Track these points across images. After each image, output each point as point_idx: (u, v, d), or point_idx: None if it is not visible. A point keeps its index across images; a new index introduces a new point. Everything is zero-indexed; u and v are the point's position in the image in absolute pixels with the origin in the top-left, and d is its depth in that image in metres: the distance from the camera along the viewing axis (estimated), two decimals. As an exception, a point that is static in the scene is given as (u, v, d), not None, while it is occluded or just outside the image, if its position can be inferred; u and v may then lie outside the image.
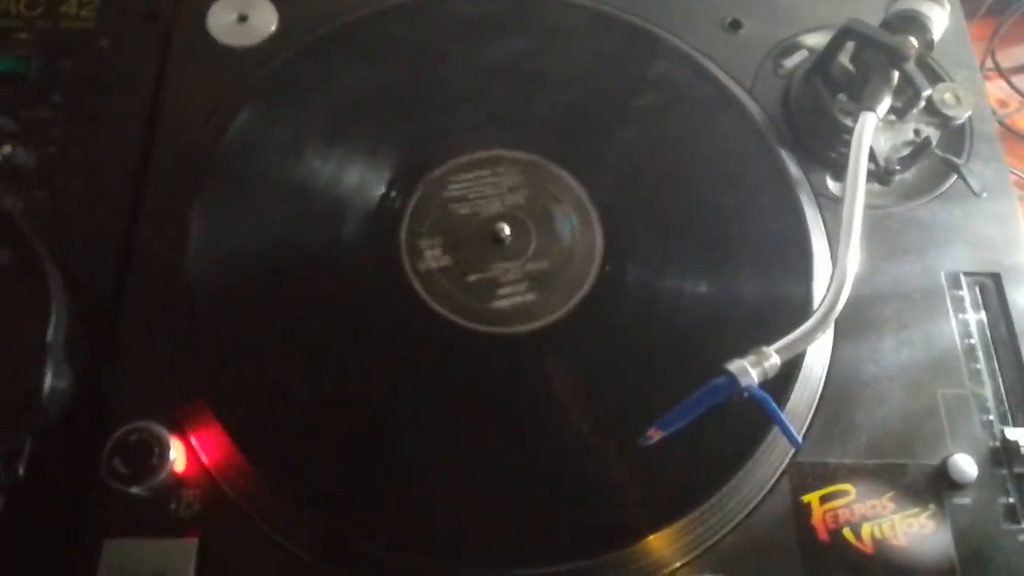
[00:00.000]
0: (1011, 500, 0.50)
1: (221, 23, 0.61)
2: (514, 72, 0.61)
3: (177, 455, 0.46)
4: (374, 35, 0.62)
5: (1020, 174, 0.73)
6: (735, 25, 0.64)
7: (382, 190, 0.56)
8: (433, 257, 0.54)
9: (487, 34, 0.62)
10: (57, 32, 0.59)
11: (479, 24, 0.63)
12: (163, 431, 0.46)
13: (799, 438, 0.46)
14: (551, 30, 0.63)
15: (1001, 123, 0.76)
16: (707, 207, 0.58)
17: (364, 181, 0.56)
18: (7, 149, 0.53)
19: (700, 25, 0.64)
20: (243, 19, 0.61)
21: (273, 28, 0.61)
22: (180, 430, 0.48)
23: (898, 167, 0.57)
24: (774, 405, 0.46)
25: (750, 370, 0.46)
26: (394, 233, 0.54)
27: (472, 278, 0.54)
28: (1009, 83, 0.77)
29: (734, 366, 0.47)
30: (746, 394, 0.47)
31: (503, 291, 0.54)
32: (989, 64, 0.77)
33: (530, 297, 0.54)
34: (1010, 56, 0.79)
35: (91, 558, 0.45)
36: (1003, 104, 0.77)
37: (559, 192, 0.57)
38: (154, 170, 0.55)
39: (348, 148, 0.57)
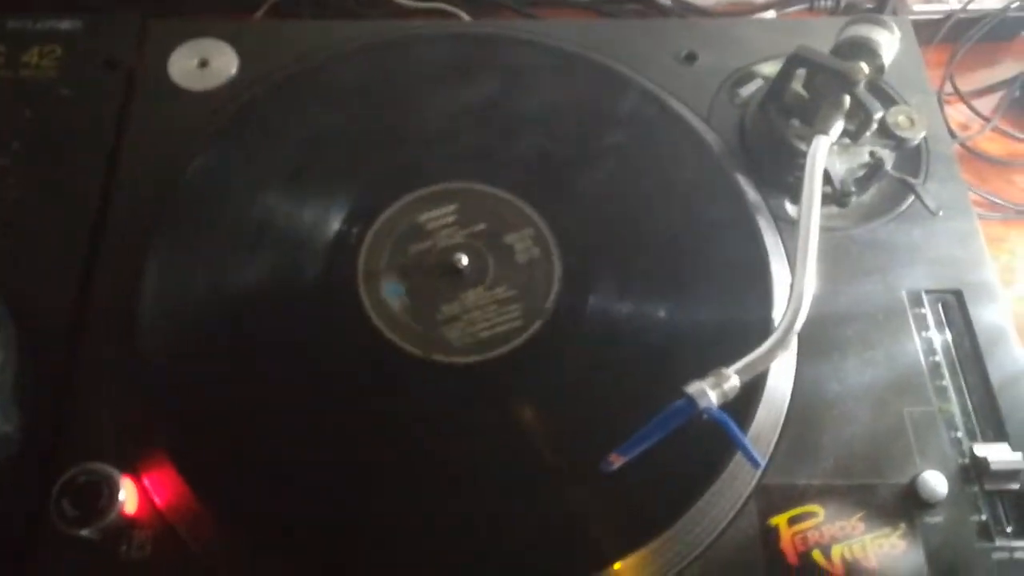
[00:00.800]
0: (983, 517, 0.49)
1: (182, 68, 0.62)
2: (471, 109, 0.62)
3: (128, 496, 0.46)
4: (334, 77, 0.62)
5: (983, 195, 0.73)
6: (691, 57, 0.65)
7: (337, 227, 0.56)
8: (391, 291, 0.54)
9: (444, 74, 0.63)
10: (18, 81, 0.60)
11: (436, 65, 0.64)
12: (114, 472, 0.46)
13: (759, 459, 0.45)
14: (511, 68, 0.64)
15: (963, 145, 0.76)
16: (666, 234, 0.58)
17: (320, 219, 0.56)
18: (-35, 195, 0.53)
19: (656, 58, 0.65)
20: (204, 64, 0.62)
21: (233, 72, 0.62)
22: (133, 470, 0.47)
23: (854, 188, 0.57)
24: (733, 426, 0.45)
25: (709, 392, 0.46)
26: (352, 269, 0.54)
27: (429, 308, 0.54)
28: (969, 106, 0.77)
29: (693, 388, 0.46)
30: (705, 416, 0.46)
31: (467, 317, 0.54)
32: (948, 89, 0.78)
33: (482, 330, 0.54)
34: (969, 81, 0.80)
35: (39, 606, 0.44)
36: (964, 127, 0.78)
37: (516, 222, 0.58)
38: (113, 214, 0.55)
39: (303, 187, 0.57)
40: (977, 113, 0.78)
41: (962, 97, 0.78)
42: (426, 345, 0.52)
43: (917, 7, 0.81)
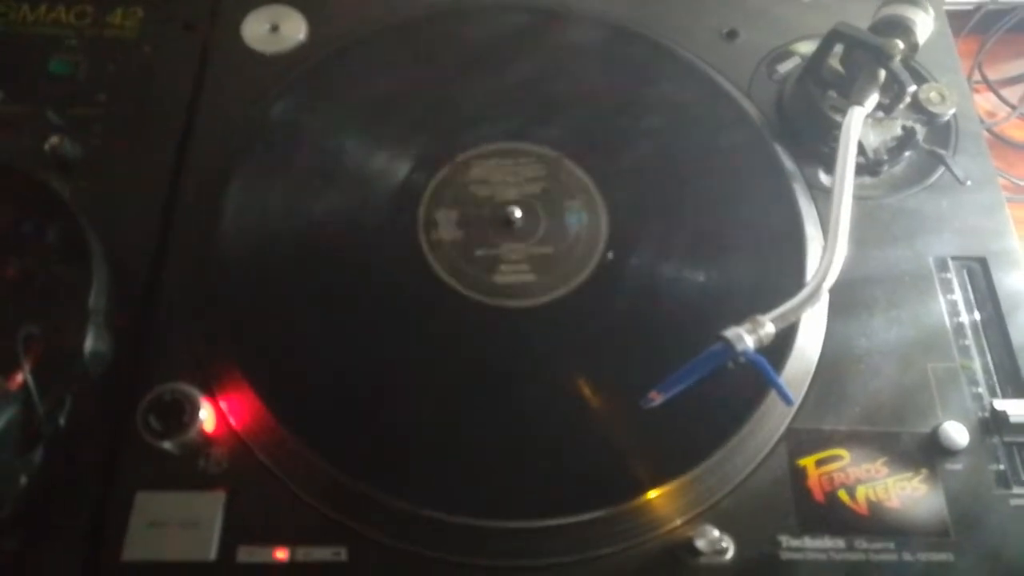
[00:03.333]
0: (1002, 467, 0.52)
1: (254, 32, 0.66)
2: (528, 77, 0.65)
3: (207, 415, 0.50)
4: (412, 39, 0.67)
5: (1010, 178, 0.76)
6: (732, 35, 0.69)
7: (407, 170, 0.61)
8: (447, 229, 0.58)
9: (500, 44, 0.67)
10: (103, 40, 0.64)
11: (493, 35, 0.67)
12: (195, 392, 0.50)
13: (791, 397, 0.48)
14: (567, 42, 0.68)
15: (990, 131, 0.79)
16: (706, 200, 0.61)
17: (392, 161, 0.61)
18: (55, 140, 0.57)
19: (699, 35, 0.68)
20: (275, 28, 0.66)
21: (302, 37, 0.66)
22: (211, 395, 0.51)
23: (886, 158, 0.60)
24: (767, 366, 0.49)
25: (745, 336, 0.49)
26: (414, 206, 0.59)
27: (479, 252, 0.58)
28: (996, 94, 0.80)
29: (730, 332, 0.49)
30: (742, 359, 0.49)
31: (504, 267, 0.57)
32: (977, 77, 0.81)
33: (529, 277, 0.57)
34: (997, 71, 0.83)
35: (123, 508, 0.48)
36: (991, 115, 0.81)
37: (573, 188, 0.61)
38: (193, 156, 0.60)
39: (379, 134, 0.62)
40: (1004, 101, 0.81)
41: (990, 85, 0.81)
42: (471, 283, 0.56)
43: (949, -3, 0.84)
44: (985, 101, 0.81)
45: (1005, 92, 0.81)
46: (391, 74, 0.64)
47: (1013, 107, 0.80)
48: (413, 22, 0.67)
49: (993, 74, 0.81)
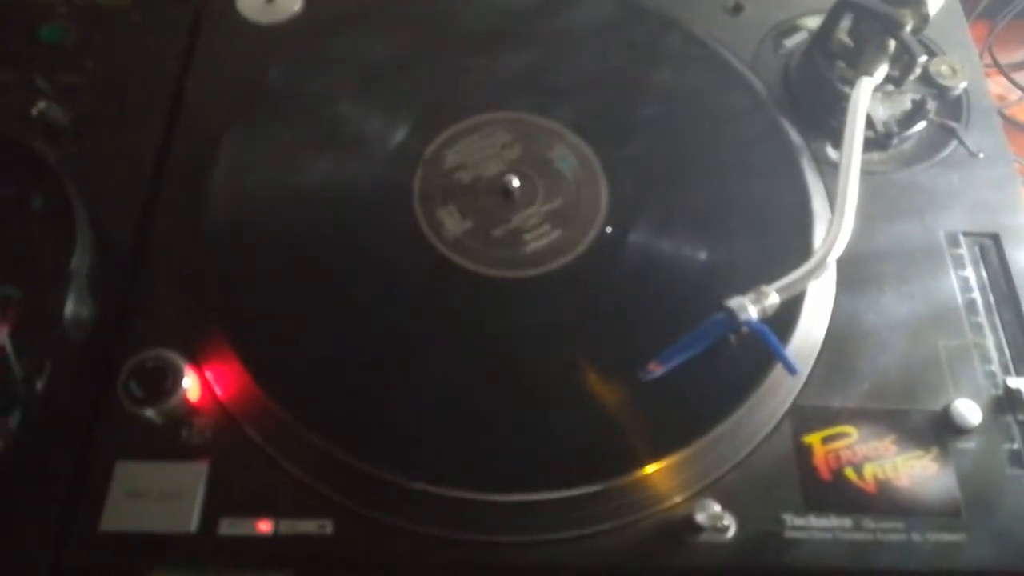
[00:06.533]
0: (1015, 446, 0.50)
1: (250, 2, 0.64)
2: (524, 49, 0.64)
3: (191, 384, 0.48)
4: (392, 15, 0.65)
5: (1021, 161, 0.74)
6: (737, 8, 0.67)
7: (390, 154, 0.59)
8: (455, 225, 0.56)
9: (499, 16, 0.66)
10: (94, 8, 0.63)
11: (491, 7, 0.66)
12: (179, 359, 0.48)
13: (796, 366, 0.47)
14: (566, 13, 0.66)
15: (1000, 114, 0.77)
16: (711, 173, 0.59)
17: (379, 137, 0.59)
18: (42, 105, 0.56)
19: (704, 8, 0.67)
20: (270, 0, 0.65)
21: (297, 8, 0.65)
22: (196, 363, 0.49)
23: (896, 131, 0.58)
24: (772, 336, 0.47)
25: (749, 306, 0.48)
26: (410, 212, 0.56)
27: (497, 233, 0.56)
28: (1008, 77, 0.79)
29: (734, 302, 0.48)
30: (745, 328, 0.48)
31: (528, 236, 0.56)
32: (987, 61, 0.79)
33: (556, 234, 0.56)
34: (1007, 55, 0.81)
35: (103, 478, 0.46)
36: (1002, 98, 0.79)
37: (548, 137, 0.60)
38: (182, 124, 0.58)
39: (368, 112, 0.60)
40: (1015, 83, 0.79)
41: (1000, 69, 0.80)
42: (502, 263, 0.55)
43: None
44: (996, 85, 0.80)
45: (1016, 77, 0.79)
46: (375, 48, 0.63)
47: (1024, 90, 0.79)
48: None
49: (1003, 59, 0.80)
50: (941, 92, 0.59)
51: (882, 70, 0.57)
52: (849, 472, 0.49)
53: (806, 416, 0.50)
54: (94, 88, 0.59)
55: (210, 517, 0.45)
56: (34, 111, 0.56)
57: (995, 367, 0.52)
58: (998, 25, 0.80)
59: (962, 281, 0.55)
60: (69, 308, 0.47)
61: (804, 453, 0.49)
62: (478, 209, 0.56)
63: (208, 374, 0.49)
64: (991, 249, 0.57)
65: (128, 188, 0.55)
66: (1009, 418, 0.51)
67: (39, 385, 0.46)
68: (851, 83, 0.57)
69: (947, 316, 0.54)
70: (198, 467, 0.47)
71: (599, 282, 0.54)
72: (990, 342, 0.53)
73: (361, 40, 0.63)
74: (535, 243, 0.55)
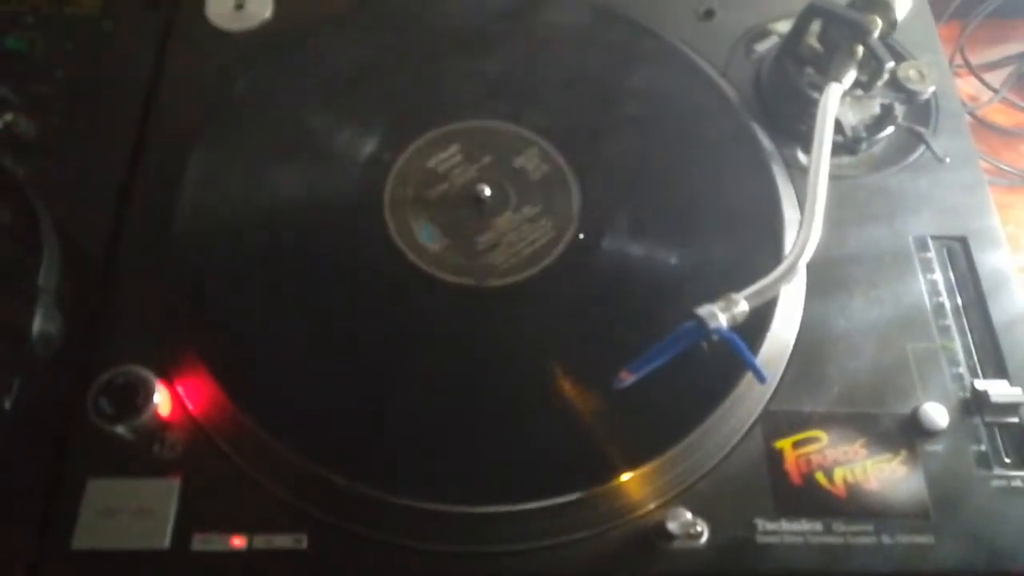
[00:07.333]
0: (983, 447, 0.51)
1: (219, 9, 0.64)
2: (493, 58, 0.64)
3: (162, 399, 0.48)
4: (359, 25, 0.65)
5: (993, 162, 0.75)
6: (709, 14, 0.68)
7: (359, 170, 0.59)
8: (434, 242, 0.55)
9: (468, 24, 0.65)
10: (63, 17, 0.62)
11: (461, 15, 0.66)
12: (149, 375, 0.48)
13: (765, 375, 0.47)
14: (539, 22, 0.66)
15: (972, 115, 0.78)
16: (680, 177, 0.60)
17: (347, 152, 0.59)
18: (8, 117, 0.55)
19: (675, 14, 0.67)
20: (240, 6, 0.64)
21: (267, 15, 0.65)
22: (167, 378, 0.49)
23: (864, 135, 0.59)
24: (741, 344, 0.47)
25: (719, 314, 0.48)
26: (381, 222, 0.56)
27: (480, 241, 0.56)
28: (978, 77, 0.80)
29: (703, 310, 0.48)
30: (715, 336, 0.48)
31: (501, 244, 0.56)
32: (959, 62, 0.80)
33: (529, 242, 0.56)
34: (979, 56, 0.82)
35: (74, 496, 0.46)
36: (974, 99, 0.80)
37: (517, 143, 0.60)
38: (152, 135, 0.58)
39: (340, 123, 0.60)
40: (985, 84, 0.80)
41: (972, 69, 0.81)
42: (471, 273, 0.54)
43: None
44: (968, 85, 0.80)
45: (987, 77, 0.80)
46: (345, 57, 0.63)
47: (995, 90, 0.79)
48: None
49: (975, 59, 0.80)
50: (909, 96, 0.60)
51: (851, 76, 0.57)
52: (819, 476, 0.49)
53: (777, 421, 0.51)
54: (63, 99, 0.58)
55: (183, 533, 0.45)
56: (0, 124, 0.55)
57: (963, 370, 0.53)
58: (969, 25, 0.81)
59: (931, 284, 0.56)
60: (37, 324, 0.47)
61: (775, 458, 0.50)
62: (450, 219, 0.56)
63: (179, 388, 0.49)
64: (959, 252, 0.58)
65: (98, 200, 0.55)
66: (977, 420, 0.51)
67: (7, 403, 0.45)
68: (821, 89, 0.57)
69: (916, 319, 0.55)
70: (170, 483, 0.47)
71: (572, 290, 0.54)
72: (958, 345, 0.54)
73: (329, 51, 0.63)
74: (507, 251, 0.55)
